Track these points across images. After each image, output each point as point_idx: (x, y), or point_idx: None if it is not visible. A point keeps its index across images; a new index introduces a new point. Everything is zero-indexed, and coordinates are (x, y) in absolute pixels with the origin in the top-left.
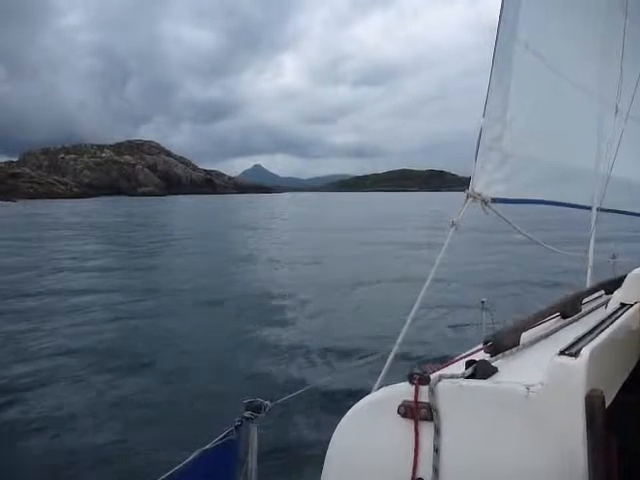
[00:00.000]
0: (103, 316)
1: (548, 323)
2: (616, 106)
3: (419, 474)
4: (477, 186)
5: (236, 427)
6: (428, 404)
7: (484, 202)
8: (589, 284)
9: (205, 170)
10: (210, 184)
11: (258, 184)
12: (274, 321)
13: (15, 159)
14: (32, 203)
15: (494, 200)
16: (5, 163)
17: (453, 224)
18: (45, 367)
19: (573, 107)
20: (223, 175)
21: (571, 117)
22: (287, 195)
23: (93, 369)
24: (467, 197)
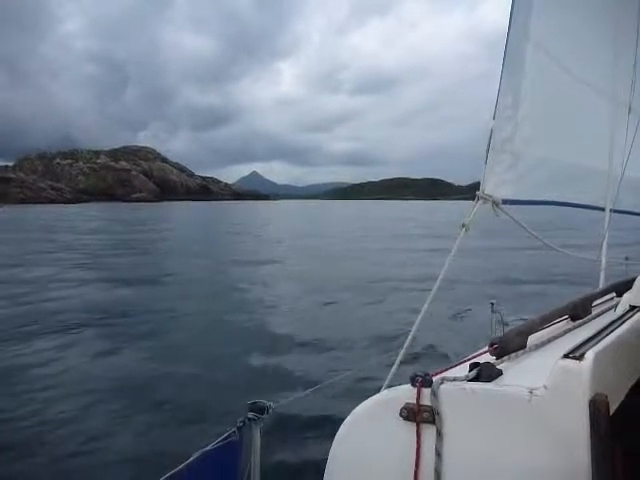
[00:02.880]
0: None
1: (557, 326)
2: (629, 105)
3: (421, 478)
4: (487, 188)
5: (238, 428)
6: (430, 407)
7: (494, 203)
8: (602, 287)
9: (201, 177)
10: (206, 191)
11: (254, 191)
12: (278, 323)
13: (11, 164)
14: (19, 208)
15: (504, 201)
16: (0, 167)
17: (464, 226)
18: (43, 373)
19: (585, 107)
20: (219, 182)
21: (583, 117)
22: (287, 203)
23: (89, 369)
24: (477, 199)
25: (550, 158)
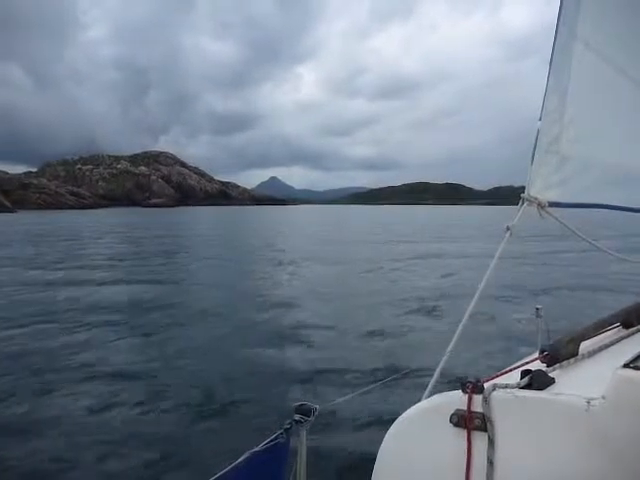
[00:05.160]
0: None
1: (609, 333)
2: None
3: None
4: (533, 190)
5: (285, 430)
6: (482, 414)
7: (540, 206)
8: None
9: (220, 181)
10: (224, 196)
11: (273, 196)
12: (323, 327)
13: (35, 169)
14: (34, 214)
15: (551, 204)
16: (24, 173)
17: (508, 229)
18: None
19: (635, 106)
20: (238, 187)
21: (633, 116)
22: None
23: (136, 371)
24: (523, 201)
25: (599, 160)
